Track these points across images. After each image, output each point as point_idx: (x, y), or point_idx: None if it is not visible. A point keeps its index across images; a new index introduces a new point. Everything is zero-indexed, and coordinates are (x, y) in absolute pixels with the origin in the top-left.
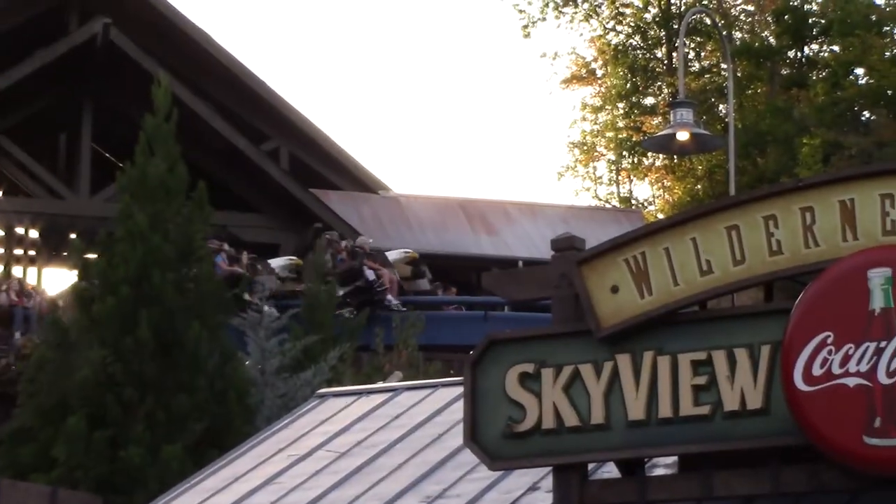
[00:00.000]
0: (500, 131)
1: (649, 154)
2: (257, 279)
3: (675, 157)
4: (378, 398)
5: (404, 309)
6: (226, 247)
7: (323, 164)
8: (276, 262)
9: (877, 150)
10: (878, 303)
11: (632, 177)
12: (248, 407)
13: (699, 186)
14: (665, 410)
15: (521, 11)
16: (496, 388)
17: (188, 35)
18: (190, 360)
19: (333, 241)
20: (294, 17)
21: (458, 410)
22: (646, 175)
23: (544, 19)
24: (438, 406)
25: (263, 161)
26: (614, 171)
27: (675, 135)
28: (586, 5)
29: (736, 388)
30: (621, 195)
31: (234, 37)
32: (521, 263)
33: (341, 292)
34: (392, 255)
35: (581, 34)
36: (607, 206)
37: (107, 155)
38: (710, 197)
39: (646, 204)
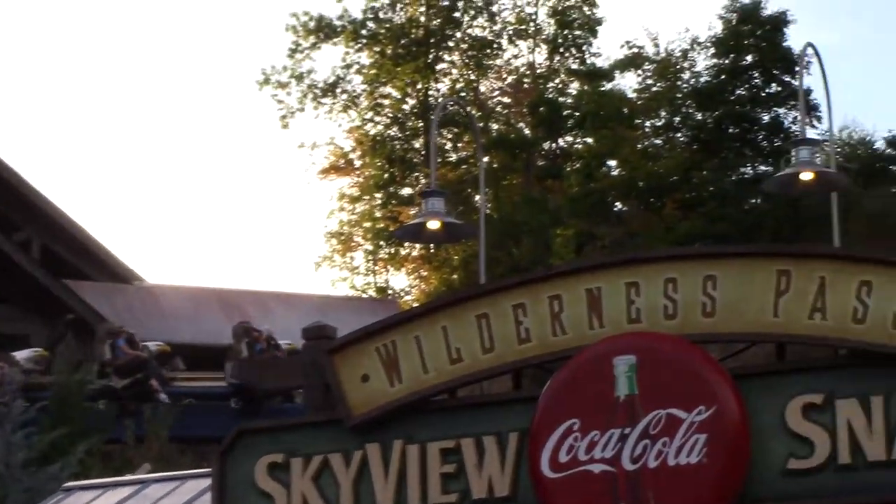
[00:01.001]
0: (259, 222)
1: (406, 244)
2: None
3: (430, 247)
4: (125, 491)
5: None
6: (128, 329)
7: (76, 255)
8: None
9: (629, 240)
10: (622, 390)
11: (389, 267)
12: None
13: (455, 276)
14: (414, 499)
15: (279, 102)
16: (245, 478)
17: None
18: None
19: (251, 328)
20: (45, 106)
21: (208, 502)
22: (402, 265)
23: (303, 110)
24: (187, 498)
25: (13, 251)
26: (371, 261)
27: (426, 224)
28: (345, 96)
29: (484, 476)
30: (378, 285)
31: None
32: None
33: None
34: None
35: (339, 124)
36: (364, 296)
37: None
38: (466, 287)
39: (402, 294)
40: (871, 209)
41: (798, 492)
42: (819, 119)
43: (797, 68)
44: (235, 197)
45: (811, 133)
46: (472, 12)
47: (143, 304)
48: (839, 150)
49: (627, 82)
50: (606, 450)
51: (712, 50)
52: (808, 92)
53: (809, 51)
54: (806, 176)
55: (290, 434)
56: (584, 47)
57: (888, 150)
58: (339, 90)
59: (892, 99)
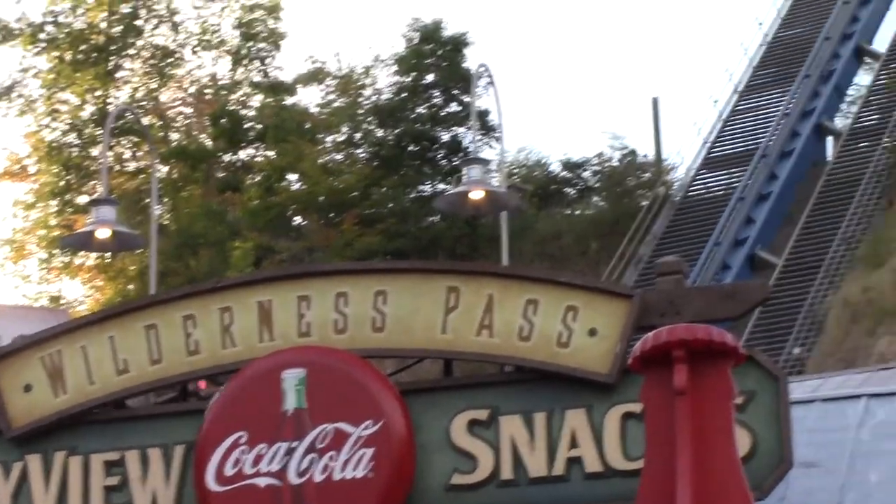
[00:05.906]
0: None
1: (82, 253)
2: None
3: (106, 256)
4: None
5: None
6: None
7: None
8: None
9: (308, 254)
10: (290, 403)
11: (63, 276)
12: None
13: (131, 287)
14: None
15: None
16: None
17: None
18: None
19: None
20: None
21: None
22: (77, 274)
23: None
24: None
25: None
26: (45, 270)
27: (95, 232)
28: (21, 100)
29: (148, 489)
30: (52, 294)
31: None
32: None
33: None
34: None
35: (15, 129)
36: (35, 305)
37: None
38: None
39: (76, 304)
40: (544, 230)
41: None
42: (497, 140)
43: (473, 86)
44: None
45: (489, 153)
46: (156, 21)
47: None
48: (516, 170)
49: (310, 97)
50: (273, 463)
51: (394, 68)
52: (486, 113)
53: (487, 72)
54: (475, 195)
55: None
56: (268, 60)
57: (563, 173)
58: (14, 94)
59: (566, 123)
